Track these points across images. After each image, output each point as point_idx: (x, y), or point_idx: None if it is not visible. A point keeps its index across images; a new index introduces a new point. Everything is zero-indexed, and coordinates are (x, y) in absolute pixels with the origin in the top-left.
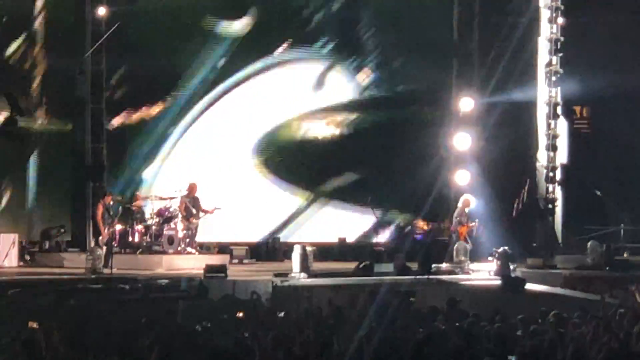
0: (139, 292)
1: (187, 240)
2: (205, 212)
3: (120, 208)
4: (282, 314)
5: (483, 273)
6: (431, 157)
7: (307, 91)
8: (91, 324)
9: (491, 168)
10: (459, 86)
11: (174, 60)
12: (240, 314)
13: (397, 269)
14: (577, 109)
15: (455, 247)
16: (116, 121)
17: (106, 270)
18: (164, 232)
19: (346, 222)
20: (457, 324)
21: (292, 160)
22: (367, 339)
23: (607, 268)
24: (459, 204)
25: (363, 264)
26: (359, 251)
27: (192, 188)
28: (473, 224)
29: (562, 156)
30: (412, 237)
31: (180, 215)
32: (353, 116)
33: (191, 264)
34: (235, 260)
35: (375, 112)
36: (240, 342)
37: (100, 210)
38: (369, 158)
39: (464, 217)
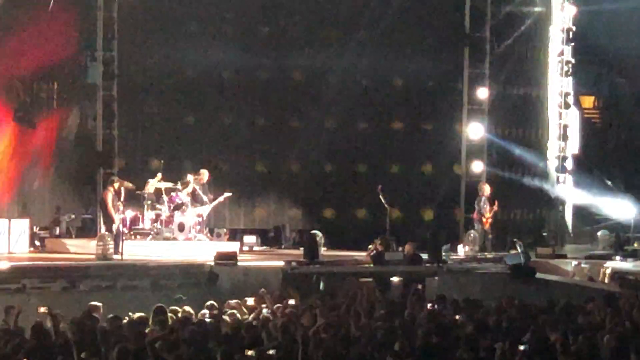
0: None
1: (198, 227)
2: (216, 199)
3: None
4: (292, 301)
5: (495, 262)
6: (445, 148)
7: None
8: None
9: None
10: (470, 77)
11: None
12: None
13: (407, 257)
14: (588, 99)
15: (470, 236)
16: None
17: (116, 257)
18: (175, 218)
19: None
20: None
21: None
22: (379, 327)
23: (617, 258)
24: (479, 192)
25: (374, 252)
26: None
27: (202, 175)
28: (495, 209)
29: (573, 146)
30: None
31: (190, 202)
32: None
33: (201, 250)
34: (246, 248)
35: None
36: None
37: (108, 196)
38: (382, 147)
39: (485, 204)
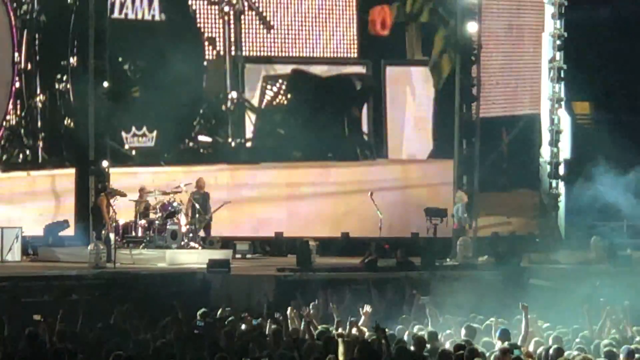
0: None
1: (191, 234)
2: (216, 209)
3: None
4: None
5: (486, 267)
6: None
7: None
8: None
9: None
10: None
11: None
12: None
13: (399, 264)
14: (582, 104)
15: (459, 243)
16: None
17: (109, 265)
18: (167, 226)
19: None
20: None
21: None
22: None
23: (610, 264)
24: (457, 201)
25: (368, 259)
26: (363, 246)
27: (200, 183)
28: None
29: (565, 151)
30: None
31: (183, 210)
32: None
33: (194, 258)
34: (239, 255)
35: None
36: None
37: (104, 202)
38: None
39: (465, 213)
